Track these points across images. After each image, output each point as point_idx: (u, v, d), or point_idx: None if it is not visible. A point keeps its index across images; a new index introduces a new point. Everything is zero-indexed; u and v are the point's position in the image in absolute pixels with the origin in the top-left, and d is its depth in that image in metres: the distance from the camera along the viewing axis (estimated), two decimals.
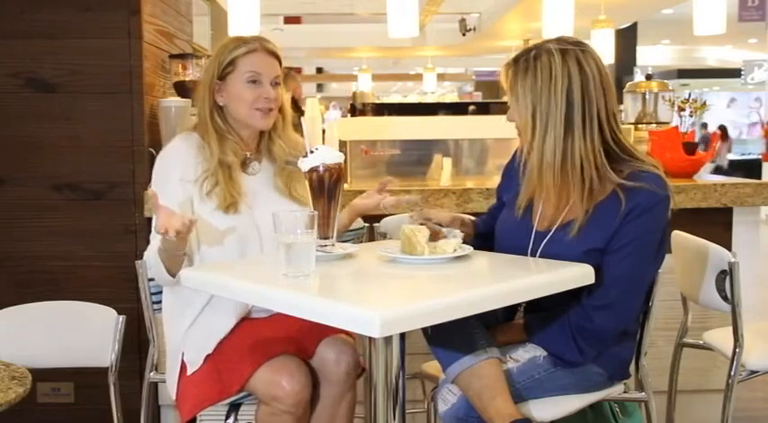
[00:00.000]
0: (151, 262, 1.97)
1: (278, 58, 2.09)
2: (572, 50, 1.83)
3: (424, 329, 1.83)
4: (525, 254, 1.92)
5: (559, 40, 1.86)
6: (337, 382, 1.98)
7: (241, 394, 1.97)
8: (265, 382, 1.90)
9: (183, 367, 2.01)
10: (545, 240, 1.90)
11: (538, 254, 1.90)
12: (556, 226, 1.89)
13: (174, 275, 1.93)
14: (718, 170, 12.36)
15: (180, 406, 2.00)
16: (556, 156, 1.82)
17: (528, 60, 1.84)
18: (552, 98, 1.80)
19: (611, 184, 1.83)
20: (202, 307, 2.01)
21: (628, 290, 1.85)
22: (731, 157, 13.32)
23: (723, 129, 13.39)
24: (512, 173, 2.07)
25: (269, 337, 1.97)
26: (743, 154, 14.36)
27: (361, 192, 2.80)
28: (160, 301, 2.20)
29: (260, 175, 2.12)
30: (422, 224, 1.90)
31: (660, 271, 1.97)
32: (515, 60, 1.87)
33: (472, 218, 2.14)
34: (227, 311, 1.99)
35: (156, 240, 1.94)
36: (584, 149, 1.82)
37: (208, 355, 1.97)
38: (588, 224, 1.84)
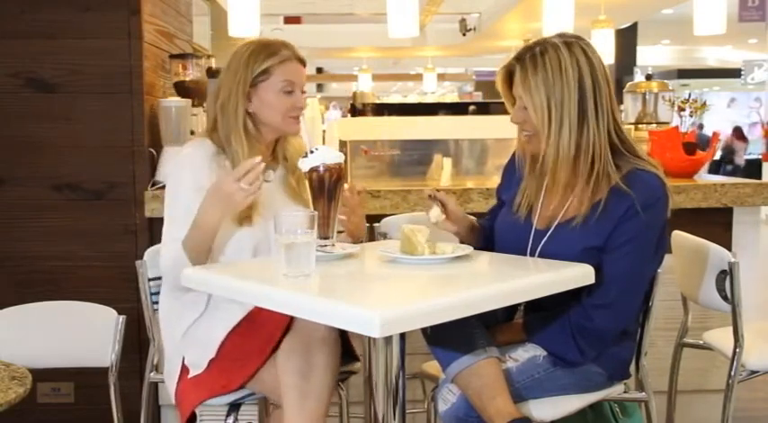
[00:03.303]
0: (172, 262, 1.93)
1: (305, 64, 2.11)
2: (575, 42, 1.85)
3: (423, 329, 1.83)
4: (525, 252, 1.92)
5: (561, 35, 1.88)
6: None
7: (243, 393, 1.97)
8: (277, 383, 1.86)
9: (185, 370, 2.00)
10: (544, 239, 1.90)
11: (537, 252, 1.90)
12: (555, 224, 1.90)
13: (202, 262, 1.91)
14: (735, 170, 12.44)
15: (181, 403, 1.99)
16: (571, 148, 1.82)
17: (535, 56, 1.84)
18: (566, 88, 1.81)
19: (610, 182, 1.84)
20: (201, 313, 2.00)
21: (627, 289, 1.85)
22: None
23: (739, 130, 13.55)
24: (510, 173, 2.07)
25: (269, 325, 1.92)
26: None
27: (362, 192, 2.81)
28: None
29: (275, 183, 2.11)
30: (431, 198, 1.92)
31: (660, 271, 1.97)
32: (519, 59, 1.86)
33: (479, 222, 2.13)
34: (228, 312, 1.97)
35: (176, 243, 1.92)
36: (598, 139, 1.83)
37: (211, 360, 1.96)
38: (587, 222, 1.84)
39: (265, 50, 2.04)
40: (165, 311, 2.10)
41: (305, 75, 2.11)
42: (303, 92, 2.09)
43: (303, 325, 1.84)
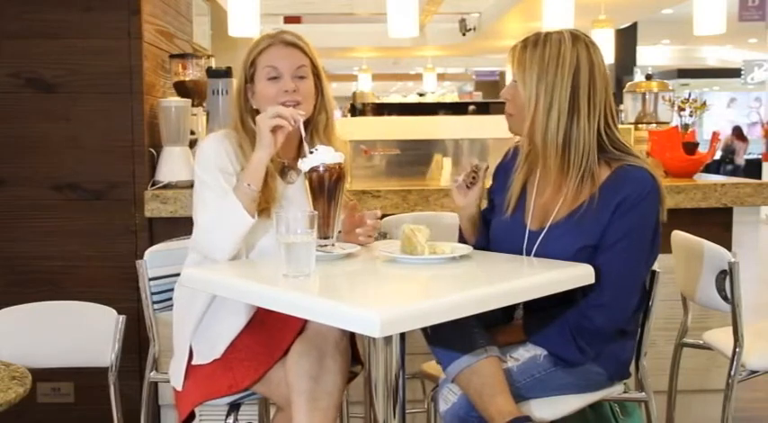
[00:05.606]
0: (217, 221, 1.89)
1: (300, 47, 2.02)
2: (582, 38, 1.87)
3: (424, 329, 1.83)
4: (520, 254, 1.92)
5: (572, 30, 1.90)
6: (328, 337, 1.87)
7: (243, 394, 1.96)
8: (284, 386, 1.85)
9: (191, 357, 1.98)
10: (539, 239, 1.90)
11: (532, 254, 1.90)
12: (548, 224, 1.90)
13: (253, 216, 1.89)
14: (735, 170, 12.46)
15: (182, 400, 1.97)
16: (559, 132, 1.83)
17: (538, 38, 1.87)
18: (559, 72, 1.82)
19: (599, 180, 1.84)
20: (212, 299, 1.97)
21: (624, 287, 1.85)
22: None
23: (738, 129, 13.57)
24: (502, 174, 2.07)
25: (280, 328, 1.91)
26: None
27: (362, 192, 2.81)
28: (160, 301, 2.21)
29: (298, 184, 2.06)
30: (475, 172, 1.95)
31: (660, 271, 1.97)
32: (525, 40, 1.89)
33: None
34: (237, 310, 1.95)
35: (212, 207, 1.91)
36: (588, 136, 1.83)
37: (217, 360, 1.95)
38: (580, 221, 1.84)
39: (254, 43, 2.04)
40: (178, 299, 2.09)
41: (298, 59, 2.00)
42: (302, 77, 2.00)
43: (316, 328, 1.84)
